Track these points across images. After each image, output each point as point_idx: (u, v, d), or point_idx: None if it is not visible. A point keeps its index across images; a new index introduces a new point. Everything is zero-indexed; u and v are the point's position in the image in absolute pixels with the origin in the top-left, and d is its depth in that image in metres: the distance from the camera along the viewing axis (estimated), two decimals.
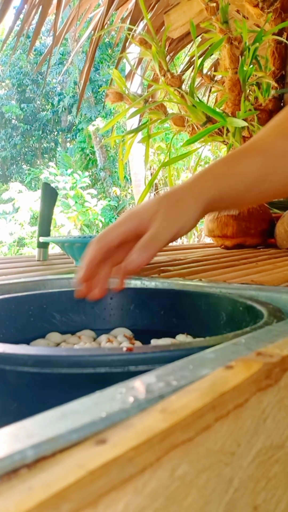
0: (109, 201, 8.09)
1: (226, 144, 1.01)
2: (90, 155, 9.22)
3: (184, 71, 2.08)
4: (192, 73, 1.01)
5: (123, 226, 0.45)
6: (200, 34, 1.46)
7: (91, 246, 0.45)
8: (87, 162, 9.20)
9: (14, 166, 10.67)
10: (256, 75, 1.02)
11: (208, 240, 1.96)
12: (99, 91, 8.86)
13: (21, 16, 1.89)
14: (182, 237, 6.68)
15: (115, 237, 0.45)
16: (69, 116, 10.38)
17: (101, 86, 7.78)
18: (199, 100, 0.99)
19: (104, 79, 8.67)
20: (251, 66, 0.98)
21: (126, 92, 1.07)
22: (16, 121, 10.65)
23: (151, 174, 6.56)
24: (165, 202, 0.45)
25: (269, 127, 0.53)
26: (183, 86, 1.02)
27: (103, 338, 0.52)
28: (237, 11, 1.30)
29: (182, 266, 0.85)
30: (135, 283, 0.66)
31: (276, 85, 1.05)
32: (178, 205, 0.45)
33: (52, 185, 1.17)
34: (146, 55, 1.05)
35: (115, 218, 8.19)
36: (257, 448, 0.23)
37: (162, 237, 0.44)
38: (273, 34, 1.02)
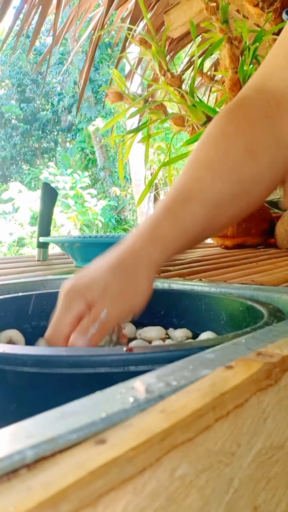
0: (109, 201, 8.09)
1: None
2: (90, 155, 9.23)
3: (184, 71, 2.08)
4: (192, 73, 1.01)
5: (71, 312, 0.38)
6: (200, 33, 1.46)
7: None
8: (87, 162, 9.20)
9: (14, 166, 10.68)
10: None
11: (208, 240, 1.96)
12: (99, 91, 8.86)
13: (21, 16, 1.89)
14: None
15: (67, 327, 0.38)
16: (69, 116, 10.38)
17: (101, 86, 7.79)
18: (199, 99, 0.99)
19: (104, 79, 8.67)
20: (251, 65, 0.98)
21: (126, 91, 1.07)
22: (16, 121, 10.65)
23: (151, 174, 6.56)
24: (116, 276, 0.40)
25: (197, 164, 0.48)
26: (183, 86, 1.02)
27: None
28: (237, 11, 1.30)
29: (182, 266, 0.85)
30: None
31: None
32: (130, 279, 0.40)
33: (52, 185, 1.17)
34: (146, 55, 1.05)
35: (115, 218, 8.21)
36: (257, 448, 0.23)
37: (113, 319, 0.38)
38: (273, 33, 1.02)
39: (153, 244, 0.42)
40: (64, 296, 0.39)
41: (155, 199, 7.13)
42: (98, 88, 8.58)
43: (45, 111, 10.71)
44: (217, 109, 0.99)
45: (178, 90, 1.00)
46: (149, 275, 0.41)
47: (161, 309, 0.56)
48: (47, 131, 10.81)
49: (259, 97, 0.51)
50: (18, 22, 1.92)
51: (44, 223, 1.04)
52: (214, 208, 0.45)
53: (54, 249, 1.22)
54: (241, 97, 0.52)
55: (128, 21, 1.82)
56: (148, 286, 0.41)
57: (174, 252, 0.44)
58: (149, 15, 1.70)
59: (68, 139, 10.65)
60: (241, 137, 0.48)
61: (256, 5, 1.05)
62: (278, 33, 1.03)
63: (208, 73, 1.16)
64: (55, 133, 10.95)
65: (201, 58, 1.00)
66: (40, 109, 10.77)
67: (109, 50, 8.49)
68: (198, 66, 0.99)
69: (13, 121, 10.63)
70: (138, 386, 0.21)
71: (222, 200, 0.46)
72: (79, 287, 0.39)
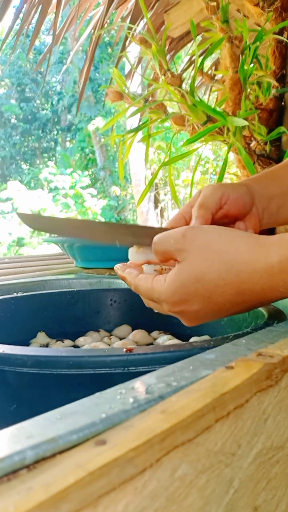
0: (109, 200, 8.08)
1: (226, 144, 1.01)
2: (90, 155, 9.22)
3: (184, 70, 2.08)
4: (193, 72, 1.01)
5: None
6: (201, 33, 1.46)
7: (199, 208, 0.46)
8: (87, 161, 9.19)
9: (14, 166, 10.67)
10: (256, 74, 1.02)
11: None
12: (99, 90, 8.85)
13: (21, 15, 1.89)
14: None
15: (215, 204, 0.46)
16: (69, 115, 10.37)
17: (101, 85, 7.77)
18: (200, 99, 0.99)
19: (104, 78, 8.66)
20: (252, 65, 0.98)
21: (126, 91, 1.07)
22: (15, 120, 10.64)
23: (151, 173, 6.56)
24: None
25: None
26: (184, 85, 1.02)
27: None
28: (238, 10, 1.29)
29: None
30: None
31: (276, 84, 1.04)
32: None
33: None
34: (146, 54, 1.04)
35: (115, 218, 8.20)
36: (258, 449, 0.23)
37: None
38: (274, 33, 1.02)
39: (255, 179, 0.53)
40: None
41: (155, 199, 7.12)
42: (98, 87, 8.56)
43: (45, 111, 10.70)
44: (218, 109, 0.99)
45: (178, 90, 1.00)
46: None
47: None
48: (47, 130, 10.79)
49: None
50: (18, 21, 1.91)
51: None
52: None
53: (54, 249, 1.22)
54: None
55: (128, 21, 1.82)
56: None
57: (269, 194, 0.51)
58: (149, 14, 1.70)
59: (68, 139, 10.65)
60: None
61: (257, 5, 1.04)
62: (279, 33, 1.03)
63: (209, 72, 1.15)
64: (55, 132, 10.94)
65: (201, 58, 1.00)
66: (40, 109, 10.76)
67: (109, 49, 8.48)
68: (198, 65, 0.99)
69: (12, 120, 10.62)
70: (138, 386, 0.21)
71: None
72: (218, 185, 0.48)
